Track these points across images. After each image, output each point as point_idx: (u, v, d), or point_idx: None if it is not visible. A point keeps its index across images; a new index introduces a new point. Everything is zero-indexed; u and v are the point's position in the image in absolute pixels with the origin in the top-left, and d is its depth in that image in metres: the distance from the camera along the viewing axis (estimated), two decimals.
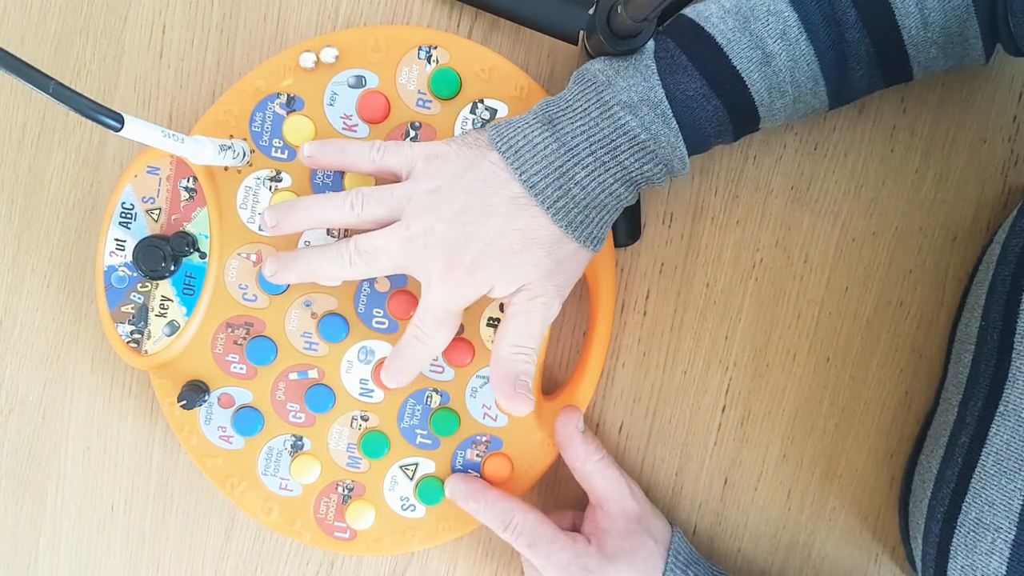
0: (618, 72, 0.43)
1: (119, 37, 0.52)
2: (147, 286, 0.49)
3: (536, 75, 0.52)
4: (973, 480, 0.42)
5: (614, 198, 0.44)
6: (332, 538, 0.51)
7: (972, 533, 0.42)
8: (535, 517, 0.48)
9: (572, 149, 0.43)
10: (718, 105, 0.44)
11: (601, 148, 0.43)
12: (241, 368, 0.50)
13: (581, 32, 0.48)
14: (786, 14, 0.43)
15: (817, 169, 0.52)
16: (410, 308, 0.50)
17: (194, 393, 0.48)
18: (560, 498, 0.54)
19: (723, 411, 0.54)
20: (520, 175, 0.43)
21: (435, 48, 0.48)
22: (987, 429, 0.43)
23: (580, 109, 0.43)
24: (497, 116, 0.49)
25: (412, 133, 0.49)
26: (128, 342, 0.49)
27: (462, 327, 0.50)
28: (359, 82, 0.49)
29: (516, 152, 0.43)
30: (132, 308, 0.49)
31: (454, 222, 0.43)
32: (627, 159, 0.43)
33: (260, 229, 0.49)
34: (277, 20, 0.52)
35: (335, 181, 0.49)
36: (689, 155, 0.45)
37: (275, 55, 0.49)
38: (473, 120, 0.49)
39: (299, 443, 0.50)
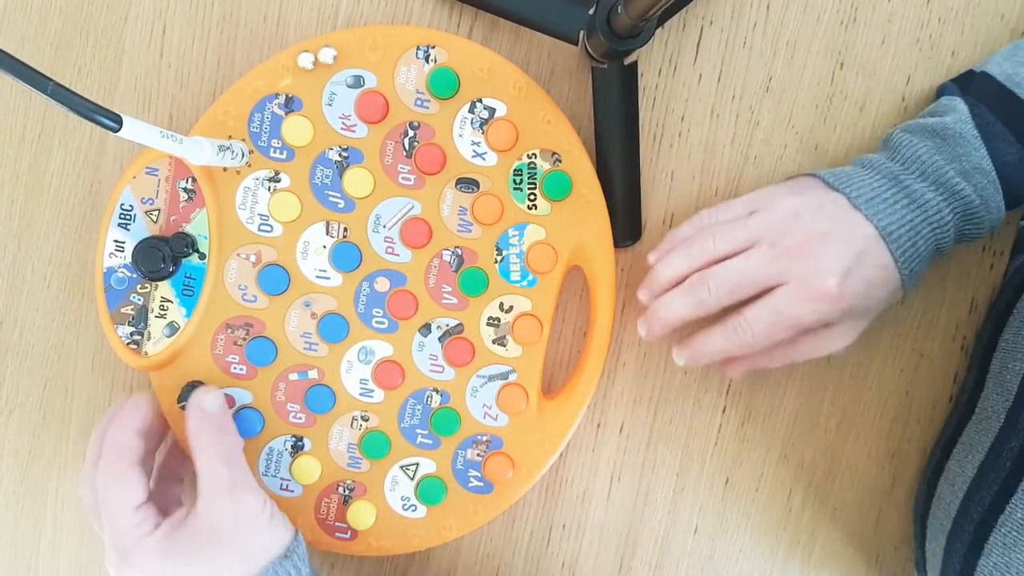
0: (946, 141, 0.46)
1: (119, 37, 0.52)
2: (146, 287, 0.49)
3: (536, 75, 0.52)
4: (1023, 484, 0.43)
5: (937, 252, 0.47)
6: (333, 538, 0.51)
7: (1014, 532, 0.42)
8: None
9: (922, 206, 0.45)
10: None
11: (937, 214, 0.46)
12: (241, 369, 0.50)
13: (581, 32, 0.48)
14: None
15: (818, 169, 0.52)
16: (410, 308, 0.50)
17: None
18: (562, 497, 0.54)
19: (724, 411, 0.54)
20: (875, 220, 0.45)
21: (433, 48, 0.48)
22: None
23: (918, 173, 0.46)
24: (496, 115, 0.49)
25: (411, 132, 0.49)
26: (128, 343, 0.49)
27: (462, 327, 0.50)
28: (357, 82, 0.48)
29: (868, 201, 0.45)
30: (132, 309, 0.49)
31: (829, 242, 0.44)
32: (958, 223, 0.46)
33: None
34: (277, 20, 0.52)
35: (334, 182, 0.49)
36: None
37: (275, 55, 0.49)
38: (471, 119, 0.49)
39: (299, 443, 0.50)
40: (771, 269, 0.44)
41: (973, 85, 0.48)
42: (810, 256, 0.44)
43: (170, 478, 0.50)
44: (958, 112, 0.47)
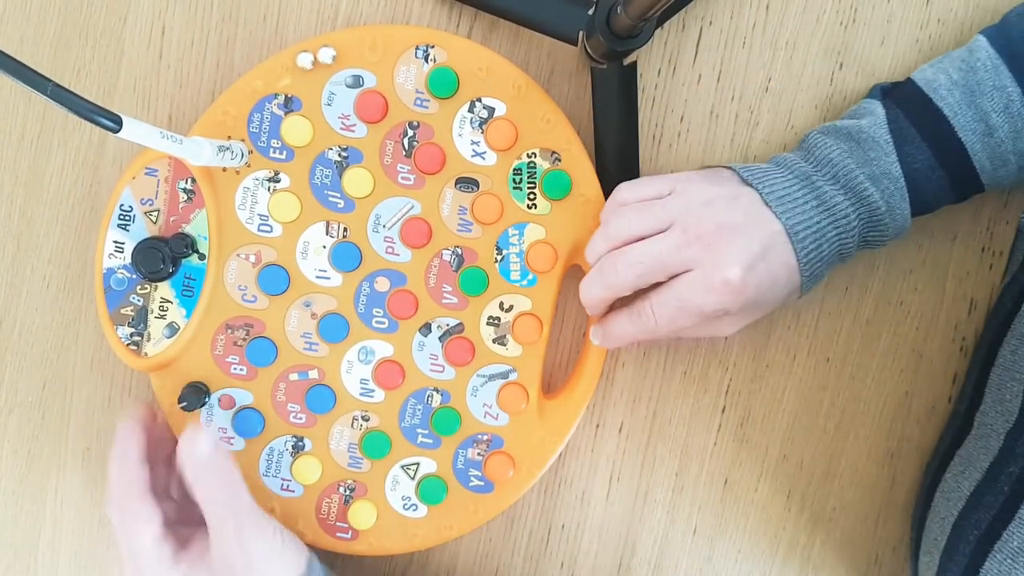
0: (859, 144, 0.46)
1: (119, 38, 0.52)
2: (146, 288, 0.49)
3: (536, 75, 0.52)
4: (1021, 510, 0.42)
5: (839, 257, 0.47)
6: (334, 538, 0.51)
7: (1010, 560, 0.42)
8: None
9: (830, 209, 0.45)
10: (942, 175, 0.47)
11: (844, 217, 0.46)
12: (241, 369, 0.50)
13: (581, 32, 0.48)
14: (1010, 89, 0.45)
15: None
16: (410, 308, 0.50)
17: (195, 395, 0.48)
18: (561, 497, 0.54)
19: (723, 412, 0.54)
20: (783, 219, 0.44)
21: (432, 47, 0.48)
22: None
23: (829, 175, 0.46)
24: (495, 115, 0.49)
25: (410, 132, 0.49)
26: (128, 344, 0.49)
27: (462, 326, 0.50)
28: (357, 82, 0.48)
29: (779, 199, 0.45)
30: (131, 310, 0.49)
31: (738, 234, 0.44)
32: (863, 228, 0.47)
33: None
34: (277, 21, 0.52)
35: (333, 181, 0.49)
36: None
37: (274, 55, 0.49)
38: (471, 119, 0.49)
39: (300, 444, 0.50)
40: (680, 255, 0.44)
41: (896, 90, 0.48)
42: (718, 245, 0.44)
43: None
44: (875, 116, 0.47)
